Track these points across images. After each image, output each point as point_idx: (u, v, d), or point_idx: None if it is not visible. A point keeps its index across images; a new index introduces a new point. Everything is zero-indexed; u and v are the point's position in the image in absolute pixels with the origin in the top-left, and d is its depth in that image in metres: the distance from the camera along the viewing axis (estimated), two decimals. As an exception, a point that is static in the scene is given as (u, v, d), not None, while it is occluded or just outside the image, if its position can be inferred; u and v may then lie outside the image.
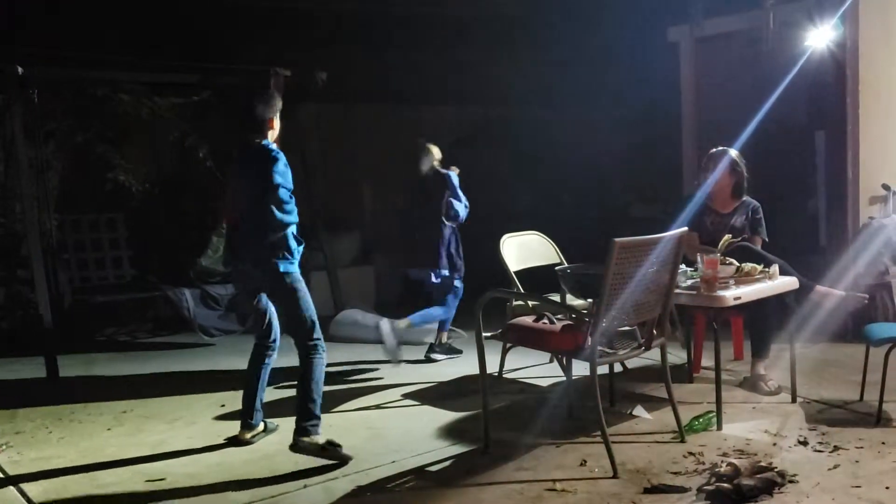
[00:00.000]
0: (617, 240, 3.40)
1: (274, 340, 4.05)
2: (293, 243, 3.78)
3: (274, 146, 3.87)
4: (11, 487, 3.56)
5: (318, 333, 3.84)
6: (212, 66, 6.59)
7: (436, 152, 5.77)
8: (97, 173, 6.81)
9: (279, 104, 3.95)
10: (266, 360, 4.05)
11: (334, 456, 3.69)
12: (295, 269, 3.82)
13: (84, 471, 3.74)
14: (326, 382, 3.91)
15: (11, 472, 3.75)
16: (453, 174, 5.67)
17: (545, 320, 3.97)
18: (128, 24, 7.14)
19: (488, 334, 3.89)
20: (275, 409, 4.28)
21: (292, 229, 3.78)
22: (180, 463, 3.81)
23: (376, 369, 5.57)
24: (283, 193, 3.73)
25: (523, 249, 5.35)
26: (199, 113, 7.06)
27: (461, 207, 5.61)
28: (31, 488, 3.54)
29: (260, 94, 4.00)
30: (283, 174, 3.75)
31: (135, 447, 4.04)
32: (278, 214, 3.71)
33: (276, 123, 3.93)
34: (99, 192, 6.92)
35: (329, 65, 7.10)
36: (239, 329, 6.81)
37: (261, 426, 4.07)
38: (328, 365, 3.93)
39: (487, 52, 8.66)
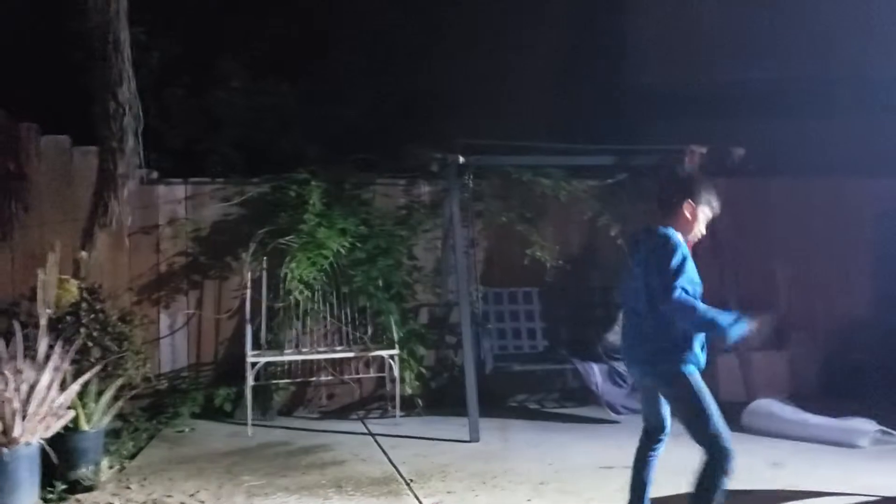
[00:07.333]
0: None
1: (664, 430, 3.72)
2: (686, 341, 3.47)
3: (672, 233, 3.54)
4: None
5: (715, 429, 3.41)
6: (627, 148, 6.79)
7: None
8: (516, 250, 7.31)
9: (699, 190, 3.63)
10: (651, 451, 3.74)
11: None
12: (689, 369, 3.49)
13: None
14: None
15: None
16: None
17: None
18: (546, 113, 7.66)
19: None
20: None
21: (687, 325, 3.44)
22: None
23: (802, 472, 5.10)
24: (665, 285, 3.39)
25: None
26: (614, 193, 7.32)
27: None
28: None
29: (671, 176, 3.82)
30: (669, 265, 3.41)
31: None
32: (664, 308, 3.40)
33: (697, 213, 3.61)
34: (517, 267, 7.41)
35: (743, 139, 6.89)
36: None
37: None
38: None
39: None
